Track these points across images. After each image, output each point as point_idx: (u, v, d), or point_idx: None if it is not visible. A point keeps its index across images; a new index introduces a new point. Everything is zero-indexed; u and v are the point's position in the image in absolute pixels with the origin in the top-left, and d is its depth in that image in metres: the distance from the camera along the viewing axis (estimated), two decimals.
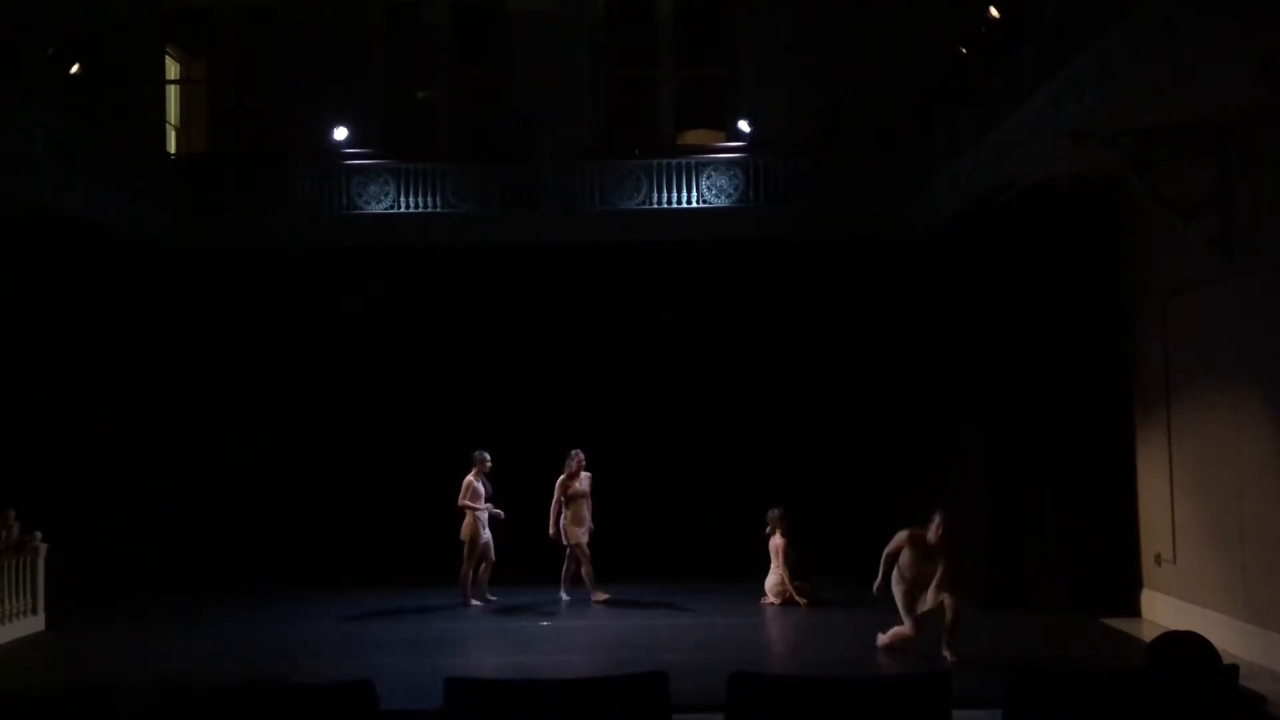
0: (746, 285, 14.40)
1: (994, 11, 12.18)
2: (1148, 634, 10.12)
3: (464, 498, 12.19)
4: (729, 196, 14.38)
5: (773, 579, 12.07)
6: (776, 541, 12.10)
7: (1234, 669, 5.05)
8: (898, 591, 9.36)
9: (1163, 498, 10.84)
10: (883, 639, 9.53)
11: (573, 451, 12.40)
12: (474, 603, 12.18)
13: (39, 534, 11.43)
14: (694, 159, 14.64)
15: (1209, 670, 3.82)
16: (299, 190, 14.40)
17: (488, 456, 12.36)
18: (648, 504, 14.04)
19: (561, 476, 12.32)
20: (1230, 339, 9.62)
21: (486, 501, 12.27)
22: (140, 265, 13.56)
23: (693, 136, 16.29)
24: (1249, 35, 7.30)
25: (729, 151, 14.93)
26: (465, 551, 12.22)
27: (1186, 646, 3.84)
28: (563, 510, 12.25)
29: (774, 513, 12.23)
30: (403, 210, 14.44)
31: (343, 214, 14.41)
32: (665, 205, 14.31)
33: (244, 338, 14.34)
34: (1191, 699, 3.75)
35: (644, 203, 14.36)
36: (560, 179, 14.38)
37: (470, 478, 12.27)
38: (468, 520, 12.21)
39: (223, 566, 14.12)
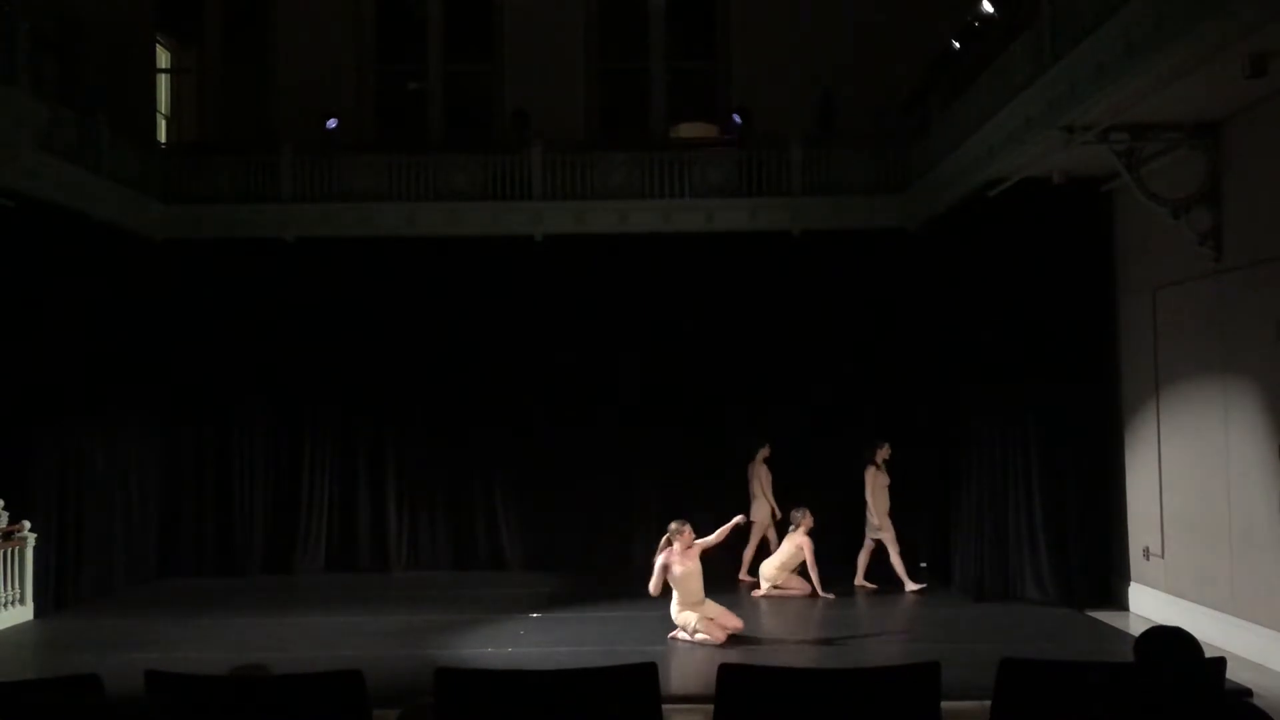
0: (738, 278, 14.35)
1: (988, 6, 12.17)
2: (1135, 628, 10.16)
3: (765, 483, 12.80)
4: (720, 190, 14.34)
5: (772, 565, 12.06)
6: (801, 539, 11.96)
7: (1221, 662, 5.08)
8: None
9: (1151, 491, 10.87)
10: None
11: (880, 442, 12.54)
12: (749, 578, 12.64)
13: (27, 524, 11.40)
14: (686, 153, 14.57)
15: (1195, 667, 3.84)
16: (290, 180, 14.32)
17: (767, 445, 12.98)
18: (640, 498, 14.04)
19: (872, 468, 12.46)
20: (1220, 333, 9.66)
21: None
22: (130, 254, 13.48)
23: (685, 129, 16.25)
24: (1238, 32, 7.31)
25: (721, 145, 14.90)
26: (756, 534, 12.74)
27: (1176, 642, 3.85)
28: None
29: (797, 512, 12.10)
30: (393, 201, 14.36)
31: (333, 204, 14.32)
32: (657, 198, 14.26)
33: (234, 326, 14.26)
34: (1179, 691, 3.76)
35: (636, 195, 14.31)
36: (552, 171, 14.32)
37: (763, 464, 12.85)
38: (761, 503, 12.75)
39: (213, 556, 14.10)
